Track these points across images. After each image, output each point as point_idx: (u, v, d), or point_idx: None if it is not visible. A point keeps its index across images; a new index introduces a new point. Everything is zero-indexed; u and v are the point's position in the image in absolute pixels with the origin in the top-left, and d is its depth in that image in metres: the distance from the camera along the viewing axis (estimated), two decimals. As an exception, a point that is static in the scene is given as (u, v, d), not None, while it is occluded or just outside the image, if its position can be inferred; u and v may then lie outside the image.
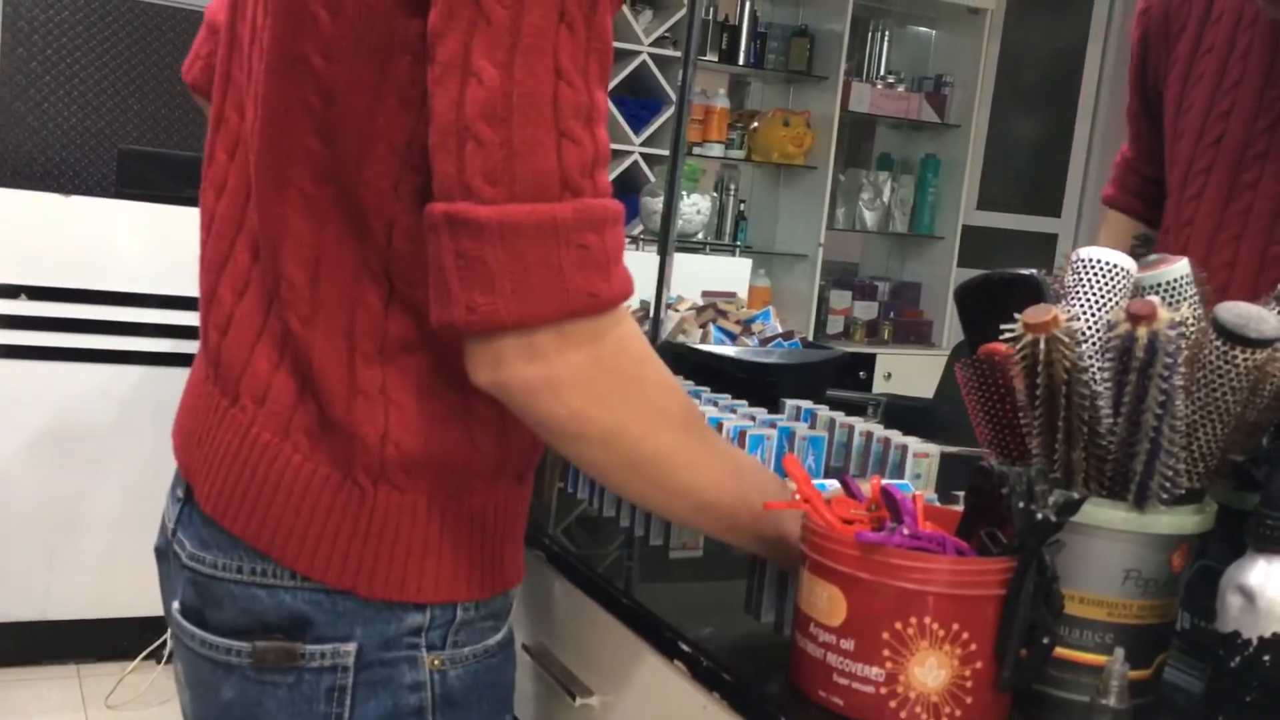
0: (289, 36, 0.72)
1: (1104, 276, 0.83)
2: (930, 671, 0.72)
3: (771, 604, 0.99)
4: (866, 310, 4.33)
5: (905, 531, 0.76)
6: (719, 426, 1.20)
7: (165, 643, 2.52)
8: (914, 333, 4.36)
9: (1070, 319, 0.78)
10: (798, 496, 0.81)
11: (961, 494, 0.82)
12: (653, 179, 3.70)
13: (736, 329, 1.84)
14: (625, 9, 3.63)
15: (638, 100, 3.78)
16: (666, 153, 3.64)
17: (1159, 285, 0.85)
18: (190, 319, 2.61)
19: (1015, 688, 0.75)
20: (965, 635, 0.72)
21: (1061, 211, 4.75)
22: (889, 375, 4.04)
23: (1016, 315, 0.78)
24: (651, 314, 1.87)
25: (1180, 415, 0.77)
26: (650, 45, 3.71)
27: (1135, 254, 0.87)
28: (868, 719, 0.73)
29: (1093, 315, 0.82)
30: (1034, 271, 0.90)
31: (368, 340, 0.75)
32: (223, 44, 0.85)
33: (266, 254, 0.77)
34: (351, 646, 0.77)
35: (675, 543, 1.15)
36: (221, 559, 0.78)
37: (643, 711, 0.95)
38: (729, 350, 1.73)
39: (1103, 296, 0.82)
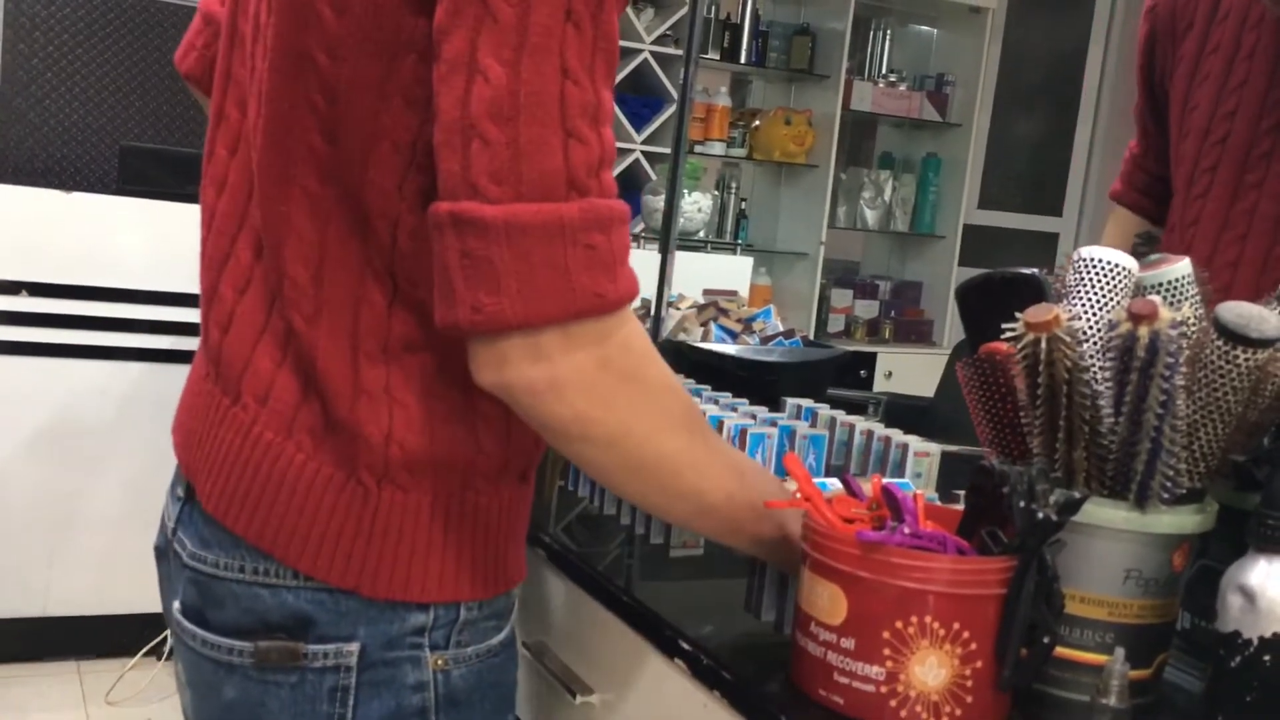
0: (293, 34, 0.72)
1: (1105, 276, 0.83)
2: (931, 670, 0.72)
3: (772, 603, 0.99)
4: (867, 309, 4.33)
5: (906, 530, 0.76)
6: (719, 425, 1.20)
7: (165, 639, 2.52)
8: (915, 332, 4.36)
9: (1071, 318, 0.77)
10: (799, 495, 0.81)
11: (962, 493, 0.82)
12: (654, 177, 3.70)
13: (737, 327, 1.83)
14: (628, 7, 3.62)
15: (639, 98, 3.77)
16: (668, 151, 3.64)
17: (1160, 285, 0.85)
18: (190, 316, 2.61)
19: (1016, 687, 0.75)
20: (966, 634, 0.72)
21: (1063, 211, 4.75)
22: (889, 374, 4.04)
23: (1018, 314, 0.78)
24: (653, 312, 1.87)
25: (1181, 415, 0.77)
26: (652, 43, 3.70)
27: (1137, 253, 0.87)
28: (868, 718, 0.73)
29: (1094, 315, 0.82)
30: (1035, 271, 0.90)
31: (371, 339, 0.75)
32: (223, 39, 0.85)
33: (269, 252, 0.77)
34: (354, 646, 0.77)
35: (676, 541, 1.15)
36: (223, 558, 0.78)
37: (643, 710, 0.95)
38: (730, 349, 1.73)
39: (1104, 296, 0.82)
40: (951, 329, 4.33)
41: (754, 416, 1.25)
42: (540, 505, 1.16)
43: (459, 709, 0.80)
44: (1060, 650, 0.78)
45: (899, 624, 0.72)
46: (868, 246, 4.64)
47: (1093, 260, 0.84)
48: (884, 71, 4.33)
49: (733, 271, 3.16)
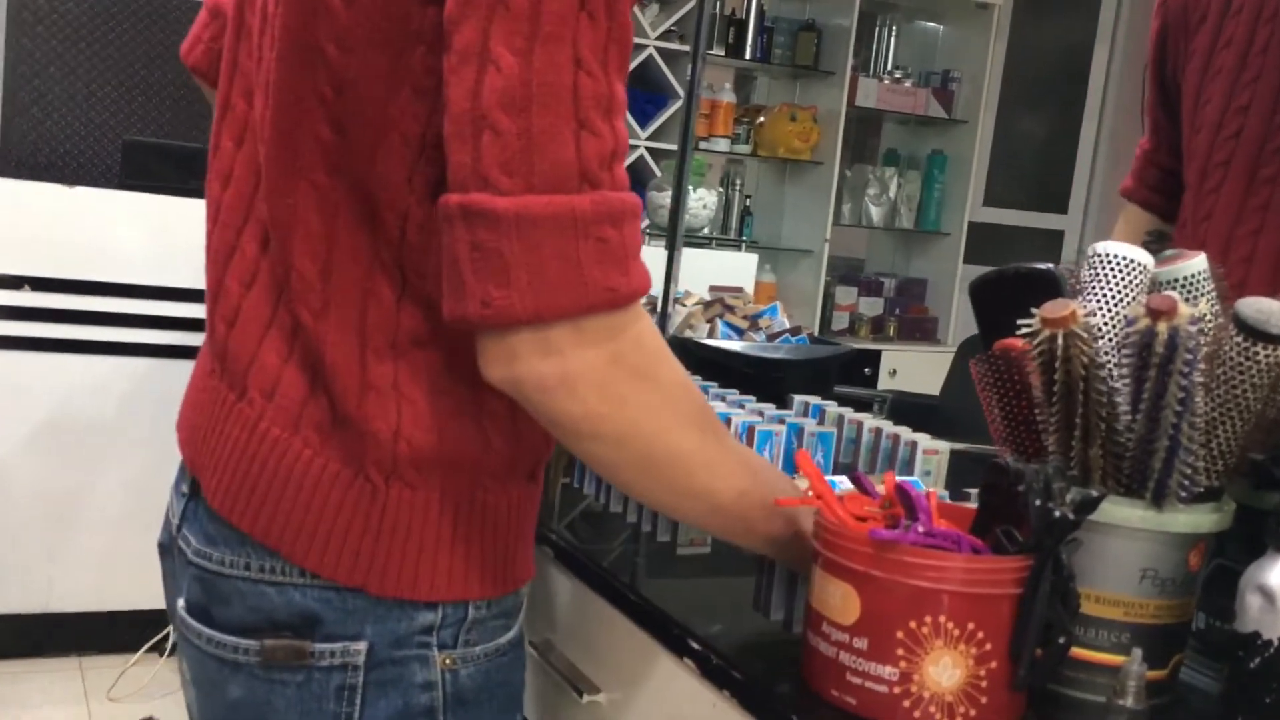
0: (301, 25, 0.71)
1: (1121, 271, 0.82)
2: (945, 671, 0.71)
3: (781, 601, 0.98)
4: (872, 306, 4.32)
5: (920, 529, 0.75)
6: (727, 422, 1.19)
7: (168, 635, 2.52)
8: (919, 329, 4.35)
9: (1088, 314, 0.76)
10: (810, 493, 0.80)
11: (973, 491, 0.81)
12: (659, 173, 3.69)
13: (744, 324, 1.83)
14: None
15: (644, 94, 3.76)
16: (672, 147, 3.63)
17: (1177, 280, 0.84)
18: (193, 311, 2.60)
19: (1030, 688, 0.74)
20: (980, 634, 0.71)
21: (1068, 208, 4.74)
22: (894, 372, 4.03)
23: (1033, 310, 0.77)
24: (659, 308, 1.86)
25: (1200, 412, 0.76)
26: (657, 39, 3.69)
27: (1149, 250, 0.86)
28: (881, 719, 0.72)
29: (1110, 310, 0.81)
30: (1050, 266, 0.89)
31: (379, 335, 0.74)
32: (230, 30, 0.84)
33: (277, 245, 0.76)
34: (362, 645, 0.76)
35: (683, 539, 1.14)
36: (229, 556, 0.77)
37: (651, 710, 0.94)
38: (736, 345, 1.72)
39: (1120, 292, 0.81)
40: (956, 327, 4.32)
41: (761, 413, 1.24)
42: (545, 502, 1.15)
43: (467, 708, 0.79)
44: (1076, 650, 0.77)
45: (913, 624, 0.71)
46: (872, 243, 4.62)
47: (1108, 256, 0.82)
48: (889, 68, 4.32)
49: (737, 268, 3.15)
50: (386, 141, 0.70)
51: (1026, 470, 0.73)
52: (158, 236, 2.58)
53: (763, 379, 1.58)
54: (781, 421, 1.20)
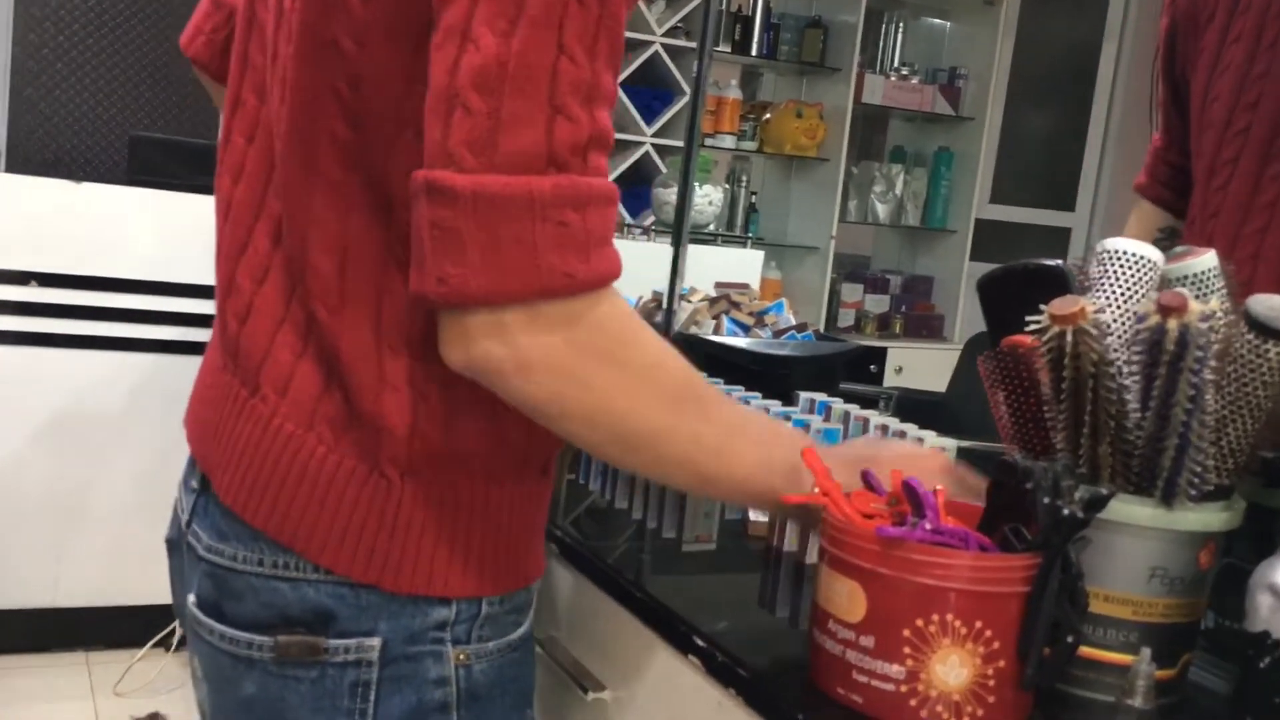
0: (319, 21, 0.71)
1: (1131, 268, 0.81)
2: (952, 669, 0.71)
3: (786, 598, 0.98)
4: (878, 303, 4.31)
5: (927, 526, 0.74)
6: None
7: (174, 630, 2.52)
8: (925, 327, 4.34)
9: (1097, 311, 0.76)
10: (816, 490, 0.79)
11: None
12: (664, 170, 3.68)
13: (749, 321, 1.82)
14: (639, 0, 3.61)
15: (650, 90, 3.76)
16: (678, 144, 3.62)
17: (1187, 277, 0.83)
18: (201, 307, 2.60)
19: (1038, 687, 0.74)
20: (988, 633, 0.71)
21: (1075, 205, 4.72)
22: (900, 369, 4.02)
23: (1042, 306, 0.76)
24: (665, 304, 1.85)
25: (1210, 410, 0.75)
26: (663, 35, 3.68)
27: (1160, 247, 0.85)
28: (888, 717, 0.72)
29: (1120, 307, 0.80)
30: (1059, 262, 0.88)
31: (394, 331, 0.74)
32: (240, 25, 0.84)
33: (292, 241, 0.76)
34: (376, 641, 0.76)
35: (688, 535, 1.14)
36: (242, 551, 0.77)
37: (656, 707, 0.93)
38: (742, 342, 1.71)
39: (1130, 288, 0.81)
40: (962, 324, 4.30)
41: (767, 410, 1.23)
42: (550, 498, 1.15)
43: (480, 703, 0.79)
44: (1084, 649, 0.76)
45: (920, 622, 0.71)
46: (878, 241, 4.61)
47: (1118, 252, 0.82)
48: (896, 65, 4.30)
49: (743, 265, 3.14)
50: (402, 137, 0.70)
51: (1035, 468, 0.72)
52: (165, 232, 2.58)
53: (768, 376, 1.58)
54: (787, 418, 1.19)
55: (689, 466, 0.75)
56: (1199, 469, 0.76)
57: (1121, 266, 0.81)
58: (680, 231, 1.93)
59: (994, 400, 0.88)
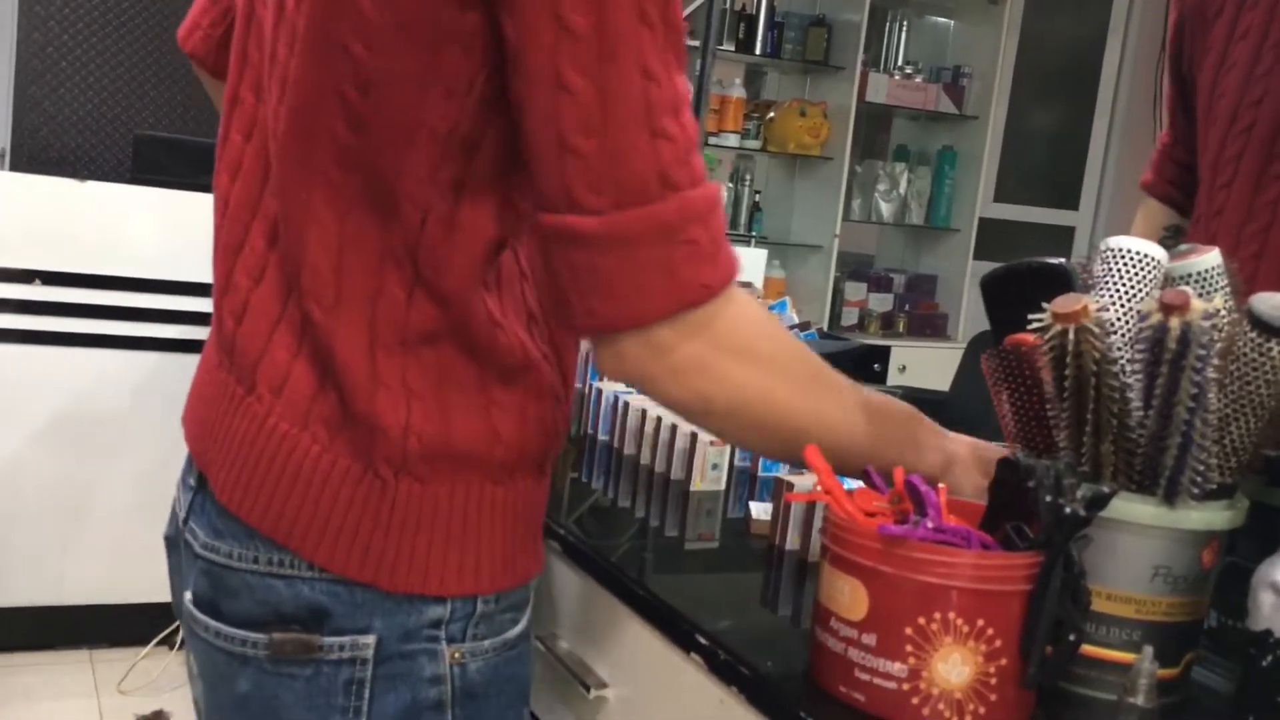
0: (326, 23, 0.71)
1: (1134, 266, 0.81)
2: (954, 668, 0.71)
3: (789, 597, 0.98)
4: (881, 302, 4.31)
5: (929, 525, 0.74)
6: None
7: (178, 629, 2.52)
8: (929, 325, 4.34)
9: (1100, 309, 0.76)
10: (819, 488, 0.79)
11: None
12: (668, 169, 3.68)
13: (753, 319, 1.81)
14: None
15: (653, 89, 3.75)
16: (682, 142, 3.61)
17: (1190, 275, 0.83)
18: (204, 306, 2.60)
19: (1040, 685, 0.74)
20: (990, 631, 0.71)
21: (1079, 205, 4.71)
22: (904, 368, 4.01)
23: (1045, 305, 0.76)
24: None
25: (1213, 409, 0.75)
26: (666, 34, 3.68)
27: (1165, 245, 0.85)
28: (890, 716, 0.72)
29: (1123, 306, 0.80)
30: (1062, 260, 0.88)
31: (389, 331, 0.74)
32: (240, 22, 0.83)
33: (290, 241, 0.76)
34: (370, 639, 0.76)
35: (691, 534, 1.14)
36: (237, 549, 0.77)
37: (658, 705, 0.94)
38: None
39: (1133, 287, 0.81)
40: (966, 323, 4.30)
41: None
42: (552, 496, 1.15)
43: (475, 702, 0.79)
44: (1086, 648, 0.76)
45: (921, 620, 0.71)
46: (882, 239, 4.61)
47: (1121, 250, 0.82)
48: (900, 63, 4.30)
49: (747, 263, 3.13)
50: (415, 139, 0.71)
51: (1037, 466, 0.72)
52: (169, 231, 2.59)
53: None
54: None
55: (825, 446, 0.79)
56: (1202, 467, 0.76)
57: (1125, 265, 0.81)
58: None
59: (997, 399, 0.88)
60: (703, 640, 0.85)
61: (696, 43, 3.68)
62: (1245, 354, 0.77)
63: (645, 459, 1.31)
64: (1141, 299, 0.80)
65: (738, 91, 3.98)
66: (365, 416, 0.74)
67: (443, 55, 0.68)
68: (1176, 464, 0.75)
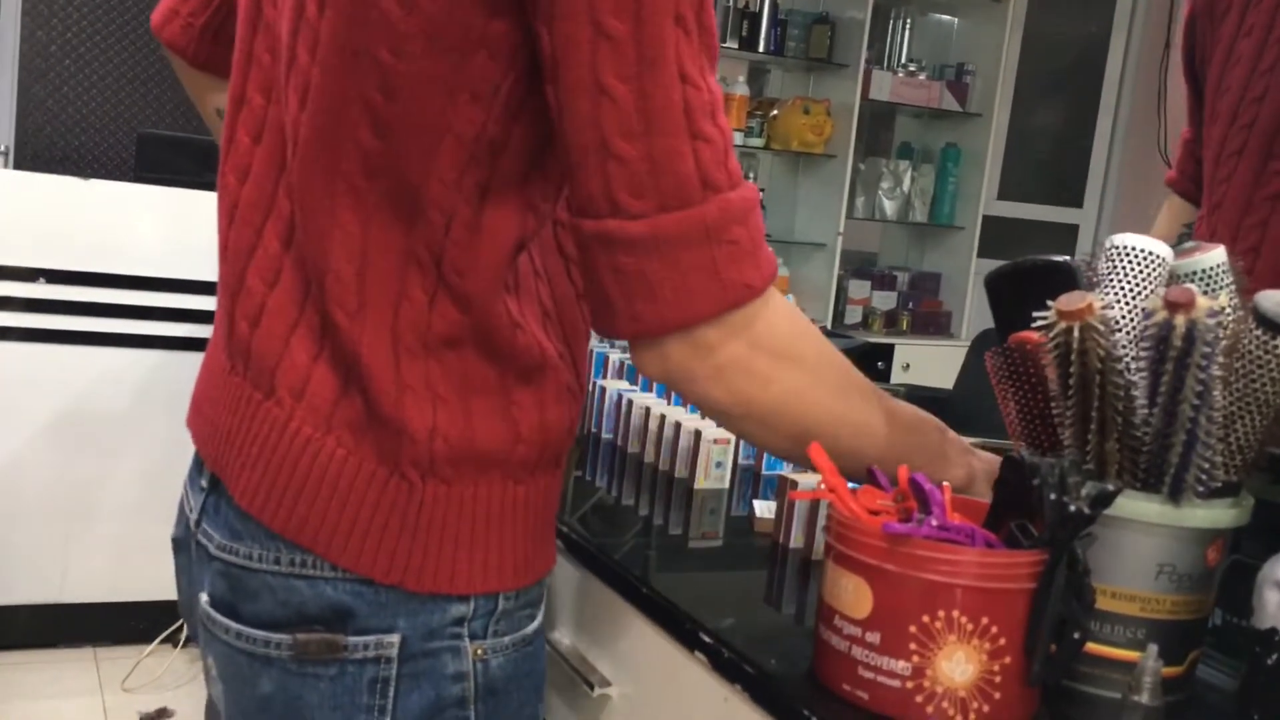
0: (351, 30, 0.71)
1: (1139, 264, 0.81)
2: (958, 666, 0.71)
3: (792, 595, 0.98)
4: (885, 300, 4.30)
5: (933, 523, 0.74)
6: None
7: (182, 626, 2.53)
8: (933, 323, 4.33)
9: (1105, 307, 0.76)
10: (823, 486, 0.79)
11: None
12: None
13: (756, 317, 1.81)
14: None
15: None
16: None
17: (1195, 273, 0.83)
18: (208, 304, 2.61)
19: (1045, 683, 0.74)
20: (994, 629, 0.71)
21: (1083, 202, 4.71)
22: (907, 366, 4.01)
23: (1049, 302, 0.76)
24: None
25: (1218, 406, 0.75)
26: (670, 32, 3.68)
27: (1183, 240, 0.85)
28: (894, 713, 0.72)
29: (1128, 303, 0.80)
30: (1067, 258, 0.88)
31: (411, 334, 0.74)
32: (242, 21, 0.83)
33: (310, 245, 0.76)
34: (395, 638, 0.76)
35: (694, 532, 1.14)
36: (257, 550, 0.77)
37: (662, 703, 0.94)
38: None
39: (1138, 284, 0.80)
40: (970, 321, 4.30)
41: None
42: (558, 495, 1.15)
43: (497, 697, 0.80)
44: (1091, 646, 0.76)
45: (926, 618, 0.71)
46: (885, 237, 4.60)
47: (1126, 248, 0.82)
48: (903, 61, 4.29)
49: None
50: (441, 144, 0.71)
51: (1042, 464, 0.72)
52: (173, 229, 2.59)
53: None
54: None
55: (857, 453, 0.80)
56: (1207, 465, 0.75)
57: (1129, 262, 0.81)
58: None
59: (1001, 397, 0.87)
60: (706, 638, 0.85)
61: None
62: (1250, 351, 0.76)
63: (649, 457, 1.31)
64: (1146, 296, 0.80)
65: (741, 89, 3.98)
66: (392, 420, 0.74)
67: (470, 61, 0.69)
68: (1181, 462, 0.75)
